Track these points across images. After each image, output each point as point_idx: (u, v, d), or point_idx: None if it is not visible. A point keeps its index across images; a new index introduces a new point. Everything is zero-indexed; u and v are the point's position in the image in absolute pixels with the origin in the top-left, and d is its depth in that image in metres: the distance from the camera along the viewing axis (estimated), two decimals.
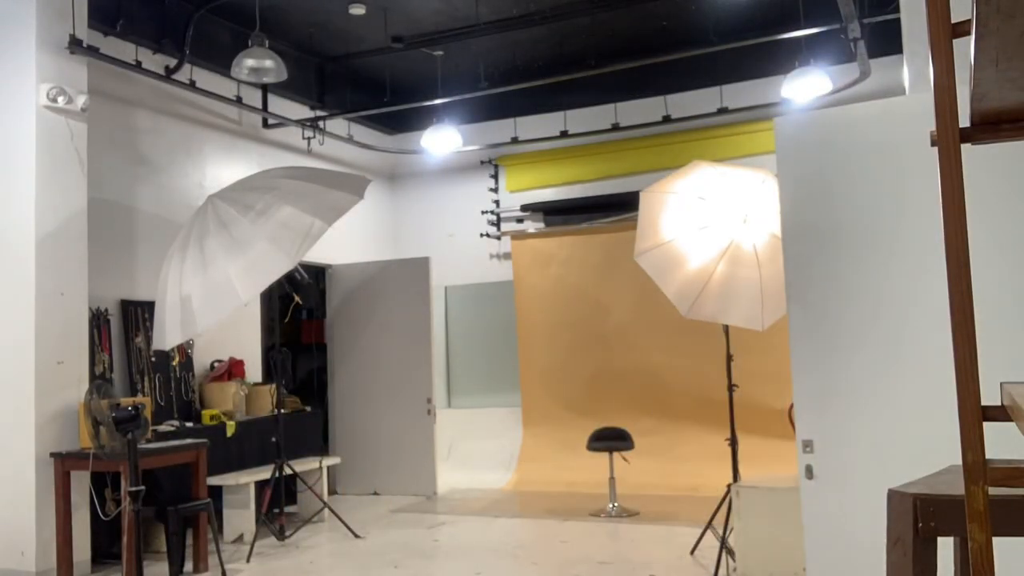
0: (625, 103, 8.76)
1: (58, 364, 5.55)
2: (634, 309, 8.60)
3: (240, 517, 6.47)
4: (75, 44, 5.78)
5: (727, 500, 5.05)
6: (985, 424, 1.11)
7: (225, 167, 7.73)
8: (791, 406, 5.22)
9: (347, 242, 9.07)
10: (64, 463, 5.42)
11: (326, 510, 7.05)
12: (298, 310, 7.97)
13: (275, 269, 5.56)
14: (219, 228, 5.64)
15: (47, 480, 5.41)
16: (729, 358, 5.45)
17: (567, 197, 9.29)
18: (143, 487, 4.22)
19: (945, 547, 1.73)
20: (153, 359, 6.72)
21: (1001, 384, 1.38)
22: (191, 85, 7.20)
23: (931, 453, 2.91)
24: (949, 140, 1.12)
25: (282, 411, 6.60)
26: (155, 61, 6.98)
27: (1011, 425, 1.19)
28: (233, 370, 7.29)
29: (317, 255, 8.30)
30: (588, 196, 9.14)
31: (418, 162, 9.93)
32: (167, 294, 5.61)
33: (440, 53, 8.39)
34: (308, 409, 8.00)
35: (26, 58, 5.59)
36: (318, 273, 8.79)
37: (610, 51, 8.38)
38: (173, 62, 7.08)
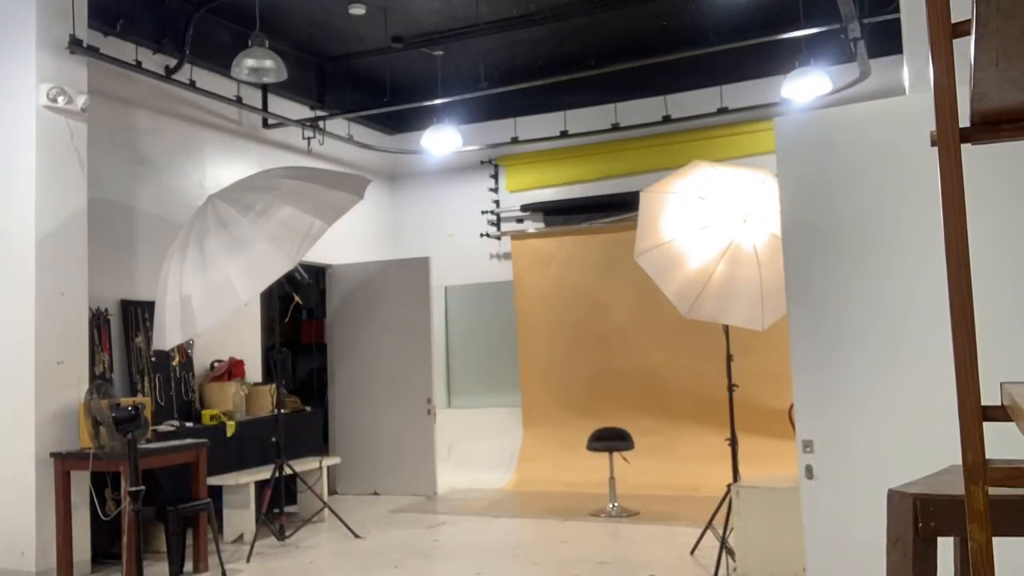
0: (625, 103, 8.76)
1: (58, 364, 5.55)
2: (634, 309, 8.60)
3: (240, 517, 6.47)
4: (75, 44, 5.78)
5: (727, 500, 5.05)
6: (985, 424, 1.11)
7: (225, 167, 7.73)
8: (791, 406, 5.22)
9: (347, 242, 9.07)
10: (64, 463, 5.42)
11: (326, 510, 7.05)
12: (298, 310, 7.98)
13: (275, 269, 5.56)
14: (219, 228, 5.64)
15: (47, 480, 5.41)
16: (729, 358, 5.45)
17: (567, 197, 9.29)
18: (143, 487, 4.22)
19: (945, 547, 1.73)
20: (153, 359, 6.72)
21: (1001, 384, 1.38)
22: (191, 85, 7.20)
23: (931, 453, 2.91)
24: (949, 140, 1.12)
25: (282, 411, 6.60)
26: (155, 61, 6.98)
27: (1011, 425, 1.19)
28: (233, 370, 7.29)
29: (317, 255, 8.30)
30: (588, 196, 9.14)
31: (418, 162, 9.93)
32: (167, 294, 5.61)
33: (440, 53, 8.39)
34: (308, 409, 8.00)
35: (26, 58, 5.59)
36: (318, 273, 8.79)
37: (610, 51, 8.38)
38: (173, 62, 7.08)
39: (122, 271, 6.66)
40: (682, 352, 8.33)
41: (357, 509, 7.70)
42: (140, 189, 6.91)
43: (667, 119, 8.39)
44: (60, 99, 5.61)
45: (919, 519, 1.60)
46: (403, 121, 9.73)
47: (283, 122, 8.26)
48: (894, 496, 1.66)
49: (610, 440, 7.35)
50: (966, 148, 1.17)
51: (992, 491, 1.12)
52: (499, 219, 9.57)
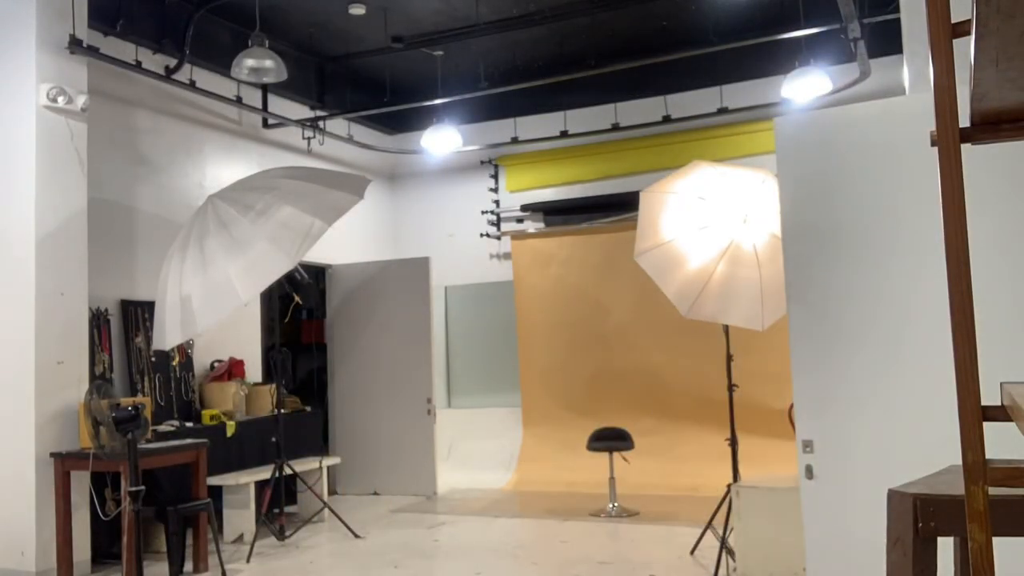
0: (625, 103, 8.76)
1: (58, 364, 5.55)
2: (634, 309, 8.60)
3: (240, 517, 6.47)
4: (75, 44, 5.78)
5: (727, 500, 5.05)
6: (985, 424, 1.11)
7: (225, 167, 7.73)
8: (791, 406, 5.22)
9: (347, 242, 9.07)
10: (64, 463, 5.42)
11: (326, 510, 7.05)
12: (298, 310, 7.97)
13: (275, 269, 5.56)
14: (219, 228, 5.65)
15: (47, 480, 5.41)
16: (729, 358, 5.45)
17: (567, 197, 9.29)
18: (143, 487, 4.22)
19: (945, 547, 1.73)
20: (153, 359, 6.72)
21: (1001, 384, 1.38)
22: (191, 85, 7.20)
23: (931, 453, 2.91)
24: (949, 140, 1.12)
25: (282, 411, 6.60)
26: (155, 61, 6.98)
27: (1011, 425, 1.19)
28: (233, 370, 7.29)
29: (317, 255, 8.30)
30: (588, 196, 9.14)
31: (418, 162, 9.93)
32: (167, 294, 5.62)
33: (440, 53, 8.39)
34: (308, 409, 8.00)
35: (26, 58, 5.59)
36: (318, 273, 8.79)
37: (610, 51, 8.38)
38: (173, 62, 7.08)
39: (122, 271, 6.66)
40: (682, 352, 8.33)
41: (357, 509, 7.70)
42: (140, 189, 6.91)
43: (667, 119, 8.39)
44: (60, 99, 5.61)
45: (919, 519, 1.60)
46: (403, 121, 9.73)
47: (283, 122, 8.26)
48: (894, 496, 1.66)
49: (610, 440, 7.35)
50: (966, 148, 1.17)
51: (992, 491, 1.12)
52: (499, 219, 9.57)
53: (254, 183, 6.03)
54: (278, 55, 6.37)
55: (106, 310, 6.43)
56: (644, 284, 7.95)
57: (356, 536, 6.52)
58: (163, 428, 6.31)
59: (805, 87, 6.95)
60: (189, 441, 5.84)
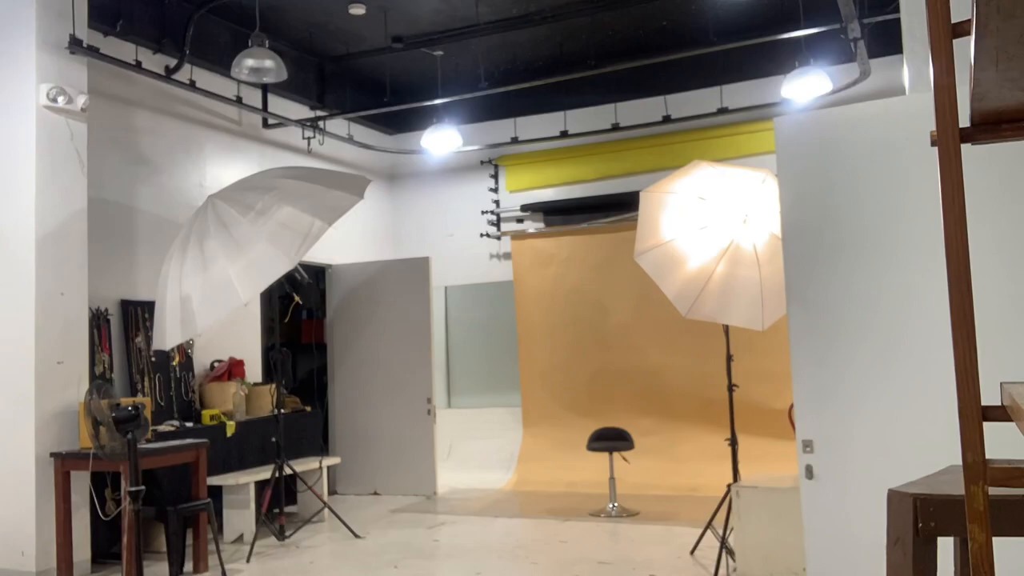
0: (625, 103, 8.77)
1: (58, 364, 5.55)
2: (634, 309, 8.60)
3: (240, 517, 6.47)
4: (75, 44, 5.78)
5: (727, 500, 5.05)
6: (985, 424, 1.11)
7: (225, 167, 7.73)
8: (791, 406, 5.22)
9: (347, 242, 9.07)
10: (64, 463, 5.42)
11: (326, 510, 7.05)
12: (298, 310, 7.98)
13: (275, 269, 5.56)
14: (219, 228, 5.65)
15: (47, 480, 5.41)
16: (729, 358, 5.45)
17: (567, 197, 9.29)
18: (143, 487, 4.22)
19: (945, 547, 1.73)
20: (153, 359, 6.72)
21: (1001, 384, 1.38)
22: (191, 85, 7.20)
23: (931, 453, 2.91)
24: (949, 140, 1.12)
25: (282, 411, 6.60)
26: (155, 61, 6.98)
27: (1011, 425, 1.19)
28: (233, 370, 7.29)
29: (317, 255, 8.30)
30: (588, 196, 9.14)
31: (418, 162, 9.94)
32: (167, 294, 5.62)
33: (440, 53, 8.39)
34: (308, 409, 8.00)
35: (26, 58, 5.59)
36: (318, 273, 8.79)
37: (610, 51, 8.38)
38: (173, 62, 7.08)
39: (122, 271, 6.66)
40: (682, 352, 8.33)
41: (357, 509, 7.70)
42: (140, 189, 6.91)
43: (667, 119, 8.40)
44: (60, 99, 5.61)
45: (919, 519, 1.60)
46: (403, 121, 9.73)
47: (283, 122, 8.26)
48: (894, 496, 1.66)
49: (610, 440, 7.35)
50: (966, 148, 1.17)
51: (992, 491, 1.12)
52: (499, 219, 9.57)
53: (254, 183, 6.03)
54: (278, 55, 6.37)
55: (106, 310, 6.43)
56: (644, 284, 7.95)
57: (356, 536, 6.52)
58: (163, 428, 6.31)
59: (805, 87, 6.95)
60: (189, 441, 5.84)
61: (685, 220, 5.20)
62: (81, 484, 5.57)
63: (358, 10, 7.42)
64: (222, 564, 5.50)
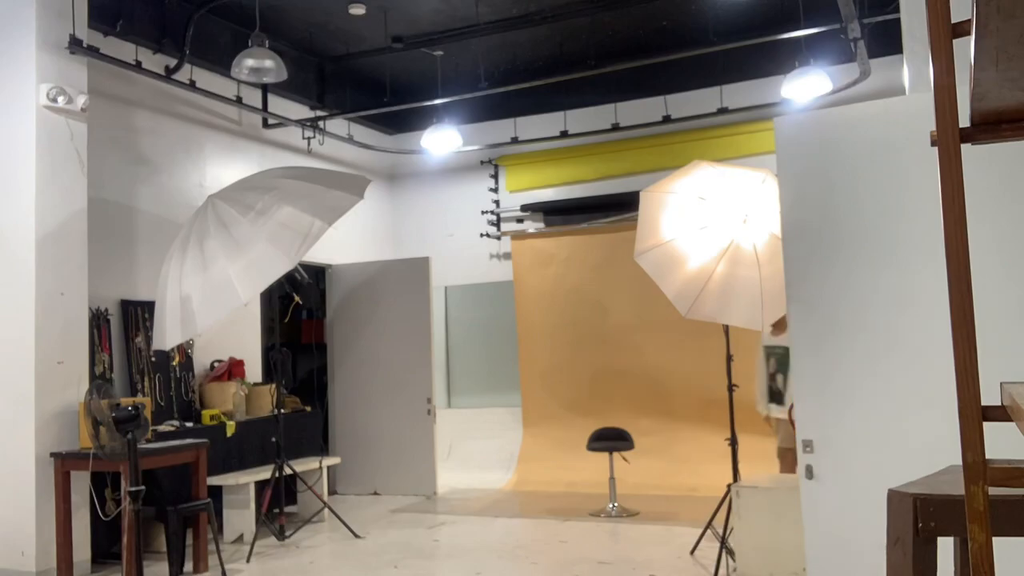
0: (625, 103, 8.76)
1: (58, 364, 5.55)
2: (634, 309, 8.60)
3: (240, 517, 6.47)
4: (75, 44, 5.78)
5: (727, 500, 5.05)
6: (985, 424, 1.11)
7: (225, 167, 7.73)
8: (791, 406, 5.21)
9: (347, 242, 9.07)
10: (64, 463, 5.42)
11: (326, 510, 7.05)
12: (298, 310, 7.98)
13: (275, 269, 5.56)
14: (219, 228, 5.65)
15: (47, 480, 5.41)
16: (729, 358, 5.45)
17: (567, 197, 9.29)
18: (143, 487, 4.22)
19: (945, 547, 1.73)
20: (153, 359, 6.72)
21: (1001, 384, 1.38)
22: (191, 85, 7.19)
23: (931, 453, 2.91)
24: (949, 140, 1.12)
25: (282, 411, 6.60)
26: (155, 61, 6.97)
27: (1011, 425, 1.19)
28: (233, 370, 7.29)
29: (317, 255, 8.30)
30: (588, 196, 9.13)
31: (418, 162, 9.93)
32: (167, 294, 5.62)
33: (440, 53, 8.39)
34: (308, 409, 7.99)
35: (26, 58, 5.59)
36: (318, 273, 8.79)
37: (610, 51, 8.38)
38: (173, 62, 7.08)
39: (122, 271, 6.66)
40: (682, 352, 8.33)
41: (357, 509, 7.70)
42: (140, 189, 6.91)
43: (667, 119, 8.39)
44: (60, 99, 5.61)
45: (919, 519, 1.60)
46: (403, 121, 9.73)
47: (283, 122, 8.26)
48: (894, 496, 1.66)
49: (610, 440, 7.35)
50: (966, 148, 1.17)
51: (992, 491, 1.12)
52: (499, 219, 9.57)
53: (254, 183, 6.03)
54: (278, 55, 6.36)
55: (106, 310, 6.43)
56: (644, 284, 7.94)
57: (356, 536, 6.52)
58: (163, 428, 6.31)
59: (805, 87, 6.95)
60: (189, 441, 5.84)
61: (685, 220, 5.20)
62: (81, 484, 5.57)
63: (358, 10, 7.42)
64: (222, 564, 5.50)
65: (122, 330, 6.59)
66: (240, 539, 6.44)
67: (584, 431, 7.76)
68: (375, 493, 8.46)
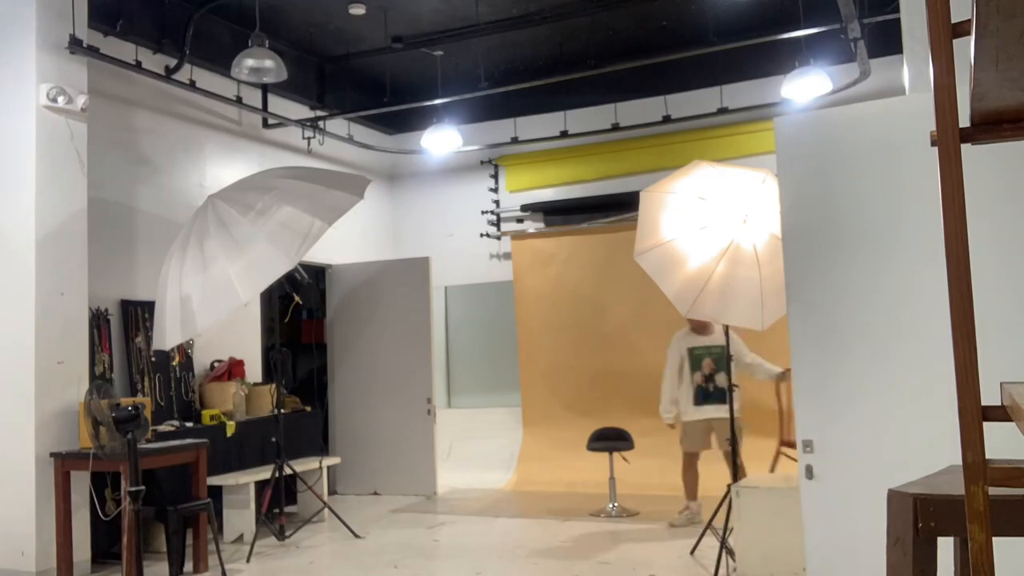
0: (625, 103, 8.76)
1: (58, 364, 5.55)
2: (634, 309, 8.59)
3: (240, 517, 6.47)
4: (75, 44, 5.78)
5: (727, 500, 5.05)
6: (985, 424, 1.11)
7: (225, 167, 7.73)
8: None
9: (347, 242, 9.07)
10: (64, 463, 5.42)
11: (326, 510, 7.05)
12: (298, 310, 7.98)
13: (275, 269, 5.56)
14: (219, 228, 5.64)
15: (47, 480, 5.41)
16: (729, 358, 5.45)
17: (567, 197, 9.29)
18: (143, 487, 4.22)
19: (945, 547, 1.73)
20: (153, 359, 6.72)
21: (1001, 384, 1.38)
22: (191, 85, 7.19)
23: (931, 453, 2.91)
24: (949, 140, 1.12)
25: (282, 411, 6.60)
26: (155, 61, 6.97)
27: (1011, 425, 1.19)
28: (233, 370, 7.29)
29: (317, 255, 8.29)
30: (588, 196, 9.13)
31: (418, 162, 9.93)
32: (167, 294, 5.61)
33: (440, 53, 8.39)
34: (308, 409, 7.99)
35: (26, 58, 5.58)
36: (318, 273, 8.79)
37: (610, 51, 8.37)
38: (173, 62, 7.07)
39: (122, 271, 6.66)
40: None
41: (357, 509, 7.70)
42: (140, 189, 6.91)
43: (667, 119, 8.39)
44: (60, 99, 5.61)
45: (919, 519, 1.60)
46: (403, 121, 9.72)
47: (283, 122, 8.26)
48: (894, 496, 1.66)
49: (610, 440, 7.34)
50: (966, 148, 1.17)
51: (992, 491, 1.12)
52: (499, 219, 9.57)
53: (254, 183, 6.03)
54: (278, 55, 6.36)
55: (106, 310, 6.43)
56: (644, 284, 7.93)
57: (356, 536, 6.52)
58: (163, 428, 6.31)
59: (805, 87, 6.95)
60: (189, 441, 5.84)
61: (685, 220, 5.20)
62: (81, 484, 5.57)
63: (358, 10, 7.42)
64: (222, 564, 5.50)
65: (122, 330, 6.59)
66: (240, 539, 6.44)
67: (584, 431, 7.75)
68: (375, 493, 8.46)
